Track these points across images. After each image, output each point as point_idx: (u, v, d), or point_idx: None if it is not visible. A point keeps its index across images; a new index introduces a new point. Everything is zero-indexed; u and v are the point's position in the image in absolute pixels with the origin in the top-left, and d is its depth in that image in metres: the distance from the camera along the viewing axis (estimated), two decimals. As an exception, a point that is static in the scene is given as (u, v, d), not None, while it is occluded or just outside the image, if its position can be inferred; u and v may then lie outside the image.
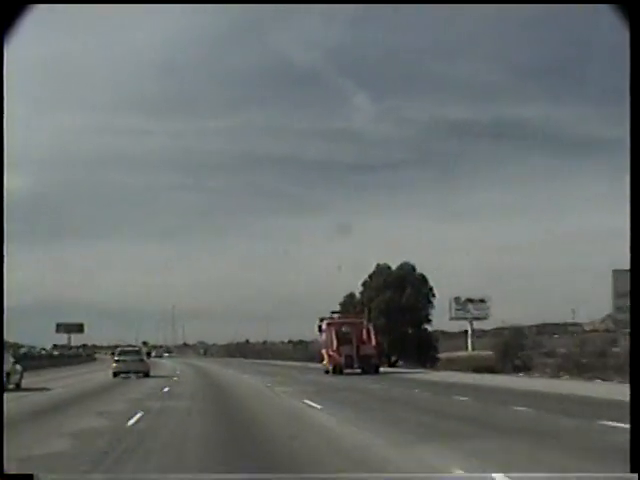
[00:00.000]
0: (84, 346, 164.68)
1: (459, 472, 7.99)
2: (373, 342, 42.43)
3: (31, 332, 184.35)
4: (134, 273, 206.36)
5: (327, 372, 41.84)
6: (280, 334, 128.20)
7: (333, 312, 46.99)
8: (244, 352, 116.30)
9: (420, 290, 59.90)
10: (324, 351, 44.19)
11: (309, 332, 77.41)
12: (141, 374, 39.03)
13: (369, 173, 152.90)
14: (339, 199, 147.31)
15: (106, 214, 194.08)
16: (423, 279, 60.79)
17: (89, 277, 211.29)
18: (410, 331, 59.39)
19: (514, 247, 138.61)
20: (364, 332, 43.28)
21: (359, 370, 40.45)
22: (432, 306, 60.98)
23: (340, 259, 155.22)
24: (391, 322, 57.31)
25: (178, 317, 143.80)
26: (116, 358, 41.52)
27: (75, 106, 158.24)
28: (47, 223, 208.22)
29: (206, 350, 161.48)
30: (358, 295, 62.41)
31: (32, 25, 4.82)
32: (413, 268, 61.55)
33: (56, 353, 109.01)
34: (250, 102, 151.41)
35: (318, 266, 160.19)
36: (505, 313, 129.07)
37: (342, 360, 40.78)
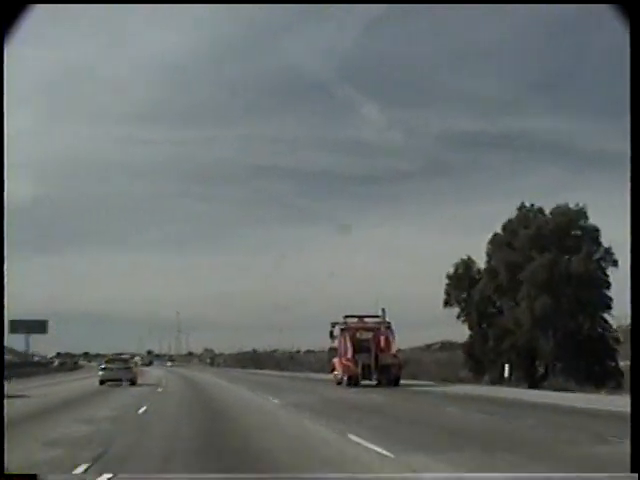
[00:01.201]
0: (86, 354, 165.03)
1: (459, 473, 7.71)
2: (393, 350, 38.12)
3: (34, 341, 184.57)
4: (139, 282, 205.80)
5: (339, 383, 37.69)
6: (288, 344, 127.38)
7: (347, 316, 40.55)
8: (259, 362, 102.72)
9: (594, 252, 39.00)
10: (336, 360, 39.98)
11: (321, 341, 76.57)
12: (128, 382, 39.01)
13: (377, 184, 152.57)
14: (346, 210, 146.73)
15: (112, 222, 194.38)
16: (594, 234, 39.52)
17: (94, 285, 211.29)
18: (585, 323, 38.69)
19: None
20: (383, 338, 38.42)
21: (375, 382, 36.81)
22: (608, 283, 38.93)
23: (347, 269, 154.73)
24: (559, 306, 37.83)
25: (183, 326, 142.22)
26: (102, 366, 41.80)
27: (81, 113, 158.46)
28: (51, 231, 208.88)
29: (213, 359, 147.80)
30: (481, 263, 43.98)
31: (32, 25, 4.87)
32: (584, 213, 40.14)
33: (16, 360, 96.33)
34: (258, 111, 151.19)
35: (326, 275, 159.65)
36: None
37: (359, 370, 36.56)
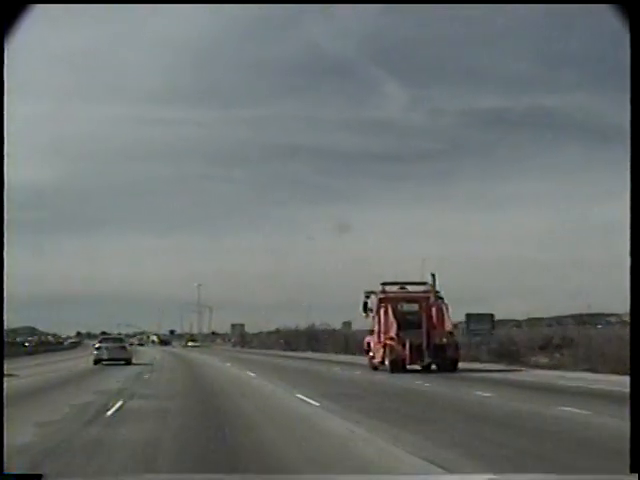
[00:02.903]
0: (104, 333, 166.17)
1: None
2: (448, 326, 31.76)
3: (58, 321, 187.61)
4: (160, 262, 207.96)
5: (375, 368, 32.62)
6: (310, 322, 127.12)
7: (385, 283, 33.71)
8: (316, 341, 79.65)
9: None
10: (372, 339, 33.72)
11: (336, 319, 75.21)
12: (122, 362, 39.44)
13: (400, 163, 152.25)
14: (369, 189, 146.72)
15: (133, 204, 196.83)
16: None
17: (117, 266, 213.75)
18: None
19: (551, 237, 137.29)
20: (435, 311, 31.61)
21: (426, 366, 30.86)
22: None
23: (369, 250, 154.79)
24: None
25: (205, 305, 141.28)
26: (97, 346, 42.13)
27: (102, 98, 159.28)
28: (72, 214, 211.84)
29: (243, 337, 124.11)
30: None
31: (33, 25, 4.90)
32: None
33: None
34: (280, 91, 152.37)
35: (346, 256, 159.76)
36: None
37: (406, 352, 30.21)
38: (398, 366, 30.23)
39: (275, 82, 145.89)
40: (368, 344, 34.69)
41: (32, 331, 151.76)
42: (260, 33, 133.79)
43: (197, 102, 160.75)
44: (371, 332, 34.67)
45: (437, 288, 32.20)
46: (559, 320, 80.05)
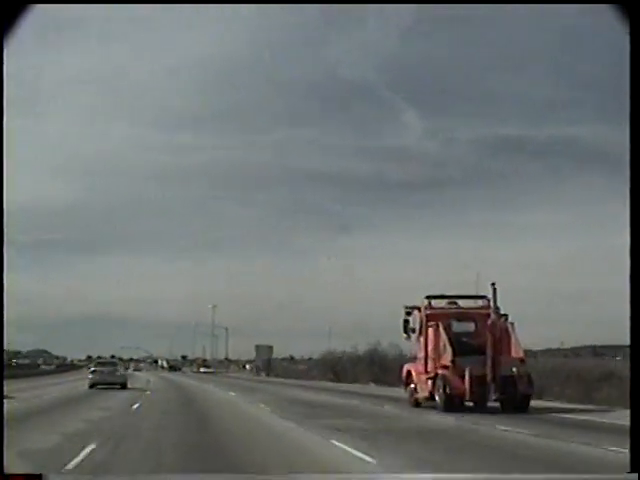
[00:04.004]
0: (112, 357, 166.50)
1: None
2: (519, 351, 24.39)
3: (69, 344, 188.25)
4: (173, 286, 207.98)
5: (417, 404, 25.87)
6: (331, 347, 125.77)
7: (430, 297, 26.89)
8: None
9: None
10: (415, 367, 26.91)
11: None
12: (117, 386, 40.10)
13: (416, 191, 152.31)
14: (385, 217, 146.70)
15: (148, 227, 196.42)
16: None
17: (129, 289, 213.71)
18: None
19: (568, 266, 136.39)
20: (499, 331, 23.96)
21: (479, 403, 23.83)
22: None
23: (387, 278, 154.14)
24: None
25: (219, 331, 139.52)
26: (92, 369, 43.26)
27: (116, 117, 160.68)
28: (87, 236, 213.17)
29: (268, 363, 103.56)
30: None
31: (33, 25, 4.95)
32: None
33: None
34: (298, 117, 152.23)
35: (361, 282, 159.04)
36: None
37: (465, 384, 23.23)
38: (454, 403, 23.43)
39: (293, 107, 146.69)
40: (408, 374, 27.34)
41: (43, 354, 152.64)
42: (278, 57, 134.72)
43: (215, 126, 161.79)
44: (414, 359, 28.27)
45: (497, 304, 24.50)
46: (575, 351, 79.14)
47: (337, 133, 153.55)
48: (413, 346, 28.48)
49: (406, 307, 27.67)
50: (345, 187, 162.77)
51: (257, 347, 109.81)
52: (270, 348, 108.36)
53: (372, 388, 46.45)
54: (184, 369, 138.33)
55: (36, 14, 5.20)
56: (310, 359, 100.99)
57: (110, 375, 41.36)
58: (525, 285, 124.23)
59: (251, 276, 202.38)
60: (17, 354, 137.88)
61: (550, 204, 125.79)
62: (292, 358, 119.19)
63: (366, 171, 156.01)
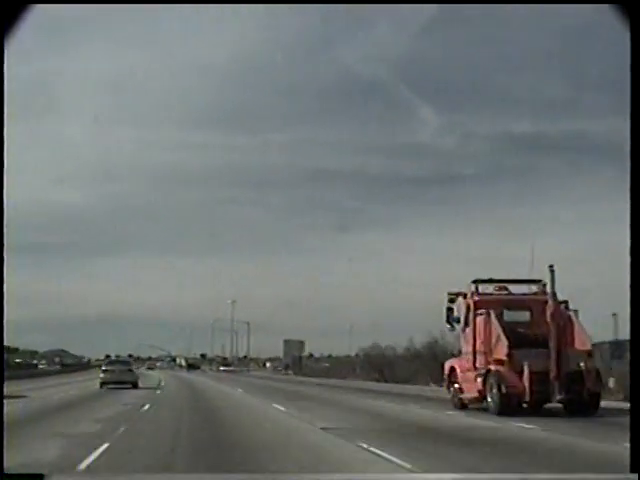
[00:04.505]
0: (130, 356, 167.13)
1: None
2: (586, 343, 21.19)
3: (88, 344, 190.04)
4: (192, 285, 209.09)
5: (463, 405, 22.60)
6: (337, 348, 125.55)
7: (477, 281, 23.53)
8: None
9: None
10: (460, 364, 23.61)
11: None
12: (129, 385, 40.05)
13: (433, 188, 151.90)
14: (402, 214, 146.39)
15: (162, 228, 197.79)
16: None
17: (146, 289, 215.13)
18: None
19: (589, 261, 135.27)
20: (562, 321, 20.93)
21: (536, 405, 20.80)
22: None
23: (405, 275, 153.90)
24: None
25: (239, 327, 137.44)
26: (103, 368, 43.36)
27: (128, 120, 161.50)
28: (104, 237, 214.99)
29: (300, 362, 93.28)
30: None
31: (33, 25, 4.96)
32: None
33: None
34: (314, 115, 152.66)
35: (379, 279, 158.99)
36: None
37: (524, 382, 20.15)
38: (511, 404, 20.20)
39: (307, 105, 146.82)
40: (451, 371, 23.87)
41: (63, 353, 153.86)
42: (292, 56, 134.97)
43: (229, 126, 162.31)
44: (458, 353, 25.11)
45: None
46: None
47: (352, 131, 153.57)
48: (457, 339, 25.24)
49: (449, 293, 23.91)
50: (361, 184, 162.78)
51: (286, 342, 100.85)
52: (302, 344, 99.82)
53: (438, 390, 34.25)
54: (203, 367, 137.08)
55: (36, 14, 5.20)
56: (330, 356, 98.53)
57: (122, 374, 41.43)
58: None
59: (268, 276, 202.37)
60: (34, 354, 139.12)
61: (567, 199, 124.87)
62: (311, 355, 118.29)
63: (381, 168, 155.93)
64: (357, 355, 77.74)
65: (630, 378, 3.56)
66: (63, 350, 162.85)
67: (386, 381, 54.69)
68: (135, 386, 40.22)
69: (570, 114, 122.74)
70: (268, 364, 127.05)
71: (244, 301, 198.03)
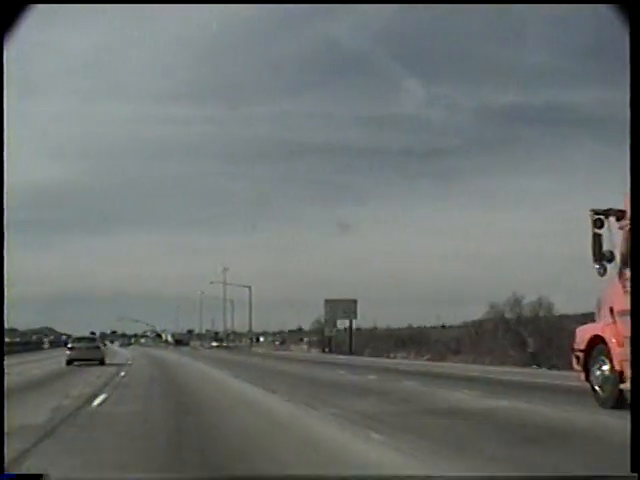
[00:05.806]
0: (114, 333, 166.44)
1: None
2: None
3: (74, 321, 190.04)
4: (175, 261, 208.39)
5: (619, 402, 13.21)
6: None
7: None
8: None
9: None
10: (615, 330, 13.51)
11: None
12: (96, 362, 39.95)
13: (418, 160, 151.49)
14: (387, 187, 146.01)
15: (147, 203, 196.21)
16: None
17: (133, 266, 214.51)
18: None
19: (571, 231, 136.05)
20: None
21: None
22: None
23: (389, 248, 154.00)
24: None
25: (237, 292, 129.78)
26: (69, 346, 42.86)
27: (114, 96, 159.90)
28: (89, 214, 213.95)
29: (350, 334, 68.55)
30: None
31: (35, 25, 4.98)
32: None
33: None
34: (297, 88, 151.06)
35: (370, 254, 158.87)
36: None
37: None
38: None
39: (291, 78, 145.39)
40: (594, 343, 14.57)
41: (50, 331, 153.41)
42: (276, 29, 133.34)
43: (212, 99, 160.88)
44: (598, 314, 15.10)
45: None
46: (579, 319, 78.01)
47: (337, 103, 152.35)
48: (605, 289, 14.57)
49: (594, 212, 14.04)
50: (344, 157, 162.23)
51: (327, 302, 71.91)
52: (354, 303, 70.33)
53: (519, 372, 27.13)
54: (192, 344, 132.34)
55: (36, 14, 5.23)
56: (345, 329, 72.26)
57: (88, 351, 41.27)
58: (527, 251, 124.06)
59: (254, 248, 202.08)
60: (13, 331, 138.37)
61: (552, 171, 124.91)
62: (300, 329, 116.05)
63: (366, 140, 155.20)
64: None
65: (630, 377, 3.64)
66: (51, 328, 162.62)
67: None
68: (102, 363, 40.18)
69: (554, 86, 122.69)
70: (262, 338, 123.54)
71: (231, 273, 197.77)
